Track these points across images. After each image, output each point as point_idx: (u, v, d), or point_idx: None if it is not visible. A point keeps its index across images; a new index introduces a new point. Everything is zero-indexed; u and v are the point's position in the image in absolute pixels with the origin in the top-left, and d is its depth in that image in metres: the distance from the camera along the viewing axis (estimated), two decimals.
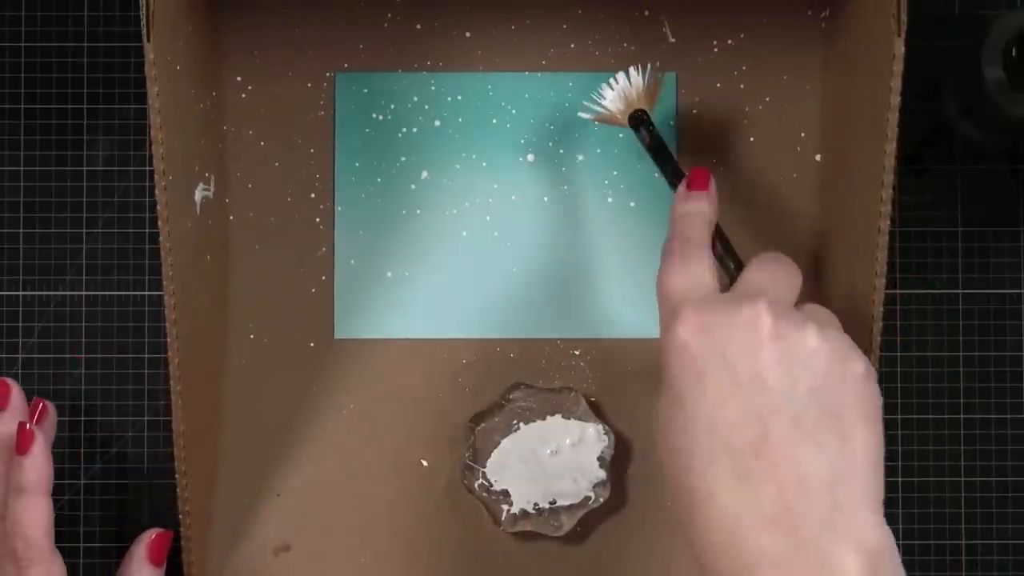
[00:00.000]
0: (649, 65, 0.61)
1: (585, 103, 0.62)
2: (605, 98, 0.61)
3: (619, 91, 0.61)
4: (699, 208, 0.55)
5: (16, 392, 0.60)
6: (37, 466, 0.57)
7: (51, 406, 0.60)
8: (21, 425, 0.57)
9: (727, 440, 0.48)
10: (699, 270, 0.52)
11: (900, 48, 0.54)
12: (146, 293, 0.66)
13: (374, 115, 0.66)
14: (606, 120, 0.62)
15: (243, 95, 0.65)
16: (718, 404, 0.48)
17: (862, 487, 0.48)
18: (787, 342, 0.49)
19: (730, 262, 0.56)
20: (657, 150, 0.60)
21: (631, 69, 0.61)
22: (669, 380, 0.50)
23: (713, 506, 0.48)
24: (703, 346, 0.49)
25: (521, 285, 0.66)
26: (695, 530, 0.48)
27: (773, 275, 0.52)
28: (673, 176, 0.59)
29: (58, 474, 0.66)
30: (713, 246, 0.55)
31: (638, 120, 0.60)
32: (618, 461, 0.65)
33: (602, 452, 0.64)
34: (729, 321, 0.49)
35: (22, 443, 0.57)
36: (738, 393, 0.48)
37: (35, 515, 0.57)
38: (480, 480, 0.64)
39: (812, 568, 0.46)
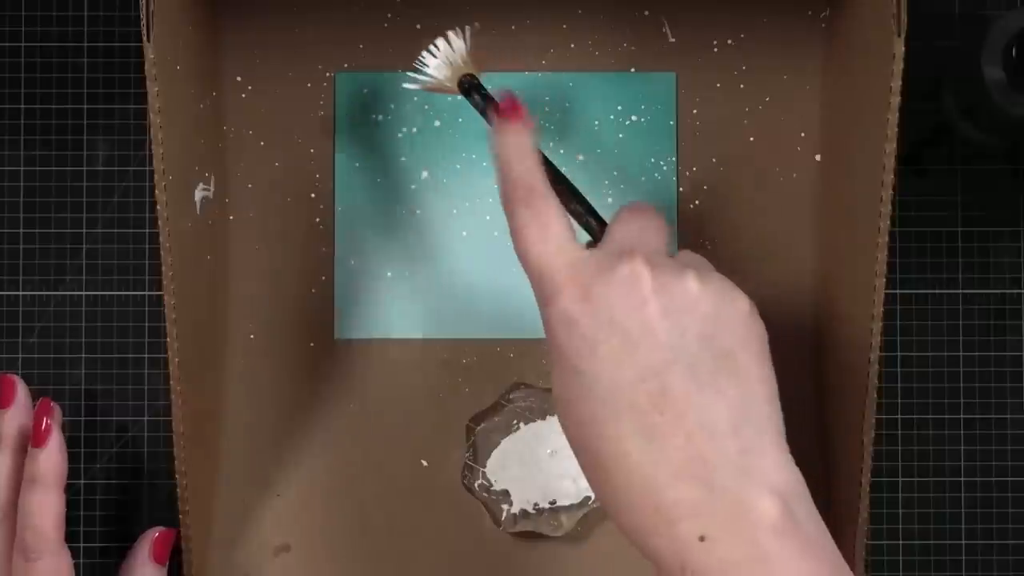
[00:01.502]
0: (468, 28, 0.59)
1: (408, 73, 0.59)
2: (428, 66, 0.59)
3: (443, 58, 0.58)
4: (522, 140, 0.53)
5: (22, 388, 0.60)
6: (52, 459, 0.57)
7: (57, 406, 0.60)
8: (38, 419, 0.58)
9: (630, 400, 0.47)
10: (558, 229, 0.50)
11: (900, 48, 0.54)
12: (146, 293, 0.66)
13: (374, 115, 0.66)
14: (434, 89, 0.59)
15: (243, 95, 0.65)
16: (615, 367, 0.48)
17: (766, 424, 0.48)
18: (670, 292, 0.48)
19: (591, 219, 0.55)
20: (487, 112, 0.57)
21: (450, 33, 0.58)
22: (560, 353, 0.49)
23: (625, 466, 0.47)
24: (589, 315, 0.48)
25: (521, 285, 0.65)
26: (611, 494, 0.48)
27: (640, 228, 0.51)
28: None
29: None
30: (567, 201, 0.54)
31: (468, 85, 0.58)
32: None
33: None
34: (608, 282, 0.48)
35: (39, 436, 0.57)
36: (633, 352, 0.48)
37: (46, 508, 0.57)
38: (480, 480, 0.64)
39: (730, 513, 0.46)
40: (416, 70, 0.59)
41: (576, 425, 0.49)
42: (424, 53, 0.59)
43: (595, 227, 0.55)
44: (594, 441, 0.48)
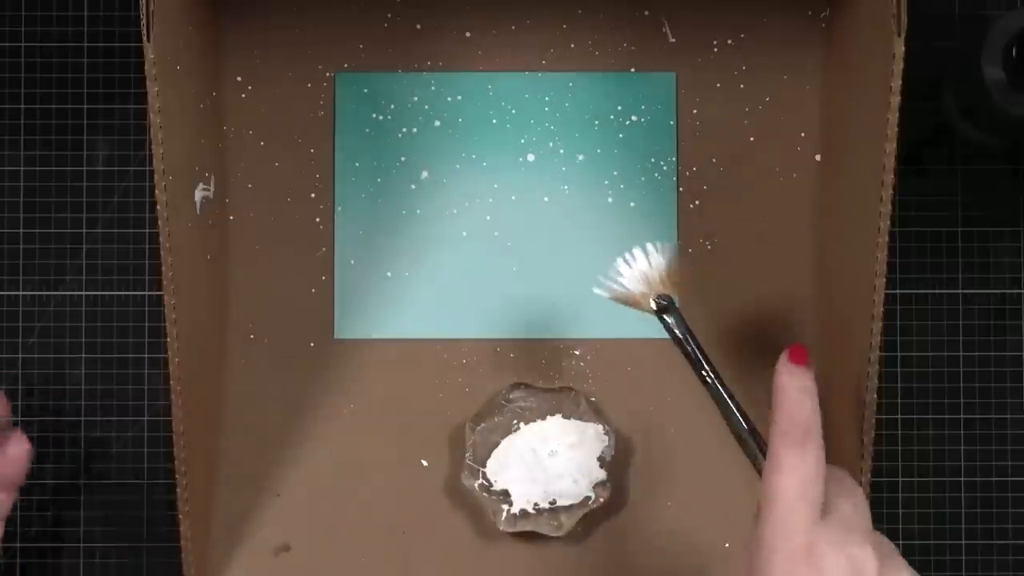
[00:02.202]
0: (669, 245, 0.58)
1: (601, 278, 0.59)
2: (623, 276, 0.58)
3: (638, 271, 0.58)
4: (810, 385, 0.54)
5: None
6: None
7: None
8: None
9: None
10: (816, 488, 0.51)
11: (900, 48, 0.54)
12: (146, 293, 0.66)
13: (374, 115, 0.66)
14: (625, 301, 0.58)
15: (243, 95, 0.65)
16: None
17: None
18: None
19: (752, 441, 0.56)
20: (686, 342, 0.57)
21: (649, 246, 0.58)
22: None
23: None
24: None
25: (521, 285, 0.66)
26: None
27: (855, 504, 0.52)
28: (701, 368, 0.56)
29: (58, 474, 0.66)
30: (731, 418, 0.55)
31: (665, 308, 0.57)
32: (618, 461, 0.65)
33: (602, 452, 0.64)
34: (839, 558, 0.49)
35: None
36: None
37: None
38: (480, 480, 0.64)
39: None
40: (611, 279, 0.58)
41: None
42: (620, 261, 0.58)
43: (750, 440, 0.55)
44: None
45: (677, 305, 0.57)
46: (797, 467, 0.51)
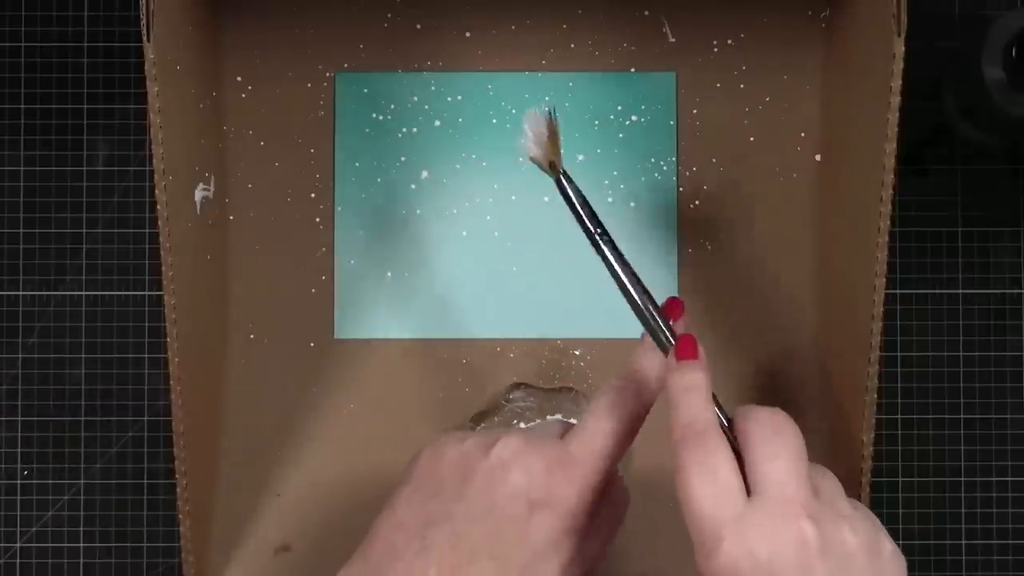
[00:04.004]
0: (546, 109, 0.54)
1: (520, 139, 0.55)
2: (529, 138, 0.54)
3: (533, 135, 0.54)
4: (696, 380, 0.52)
5: None
6: None
7: None
8: None
9: None
10: (725, 475, 0.49)
11: (900, 48, 0.54)
12: (146, 293, 0.66)
13: (374, 115, 0.66)
14: (537, 164, 0.55)
15: (243, 95, 0.65)
16: None
17: None
18: (832, 553, 0.48)
19: (656, 320, 0.53)
20: (579, 207, 0.54)
21: (532, 111, 0.54)
22: None
23: None
24: (755, 573, 0.48)
25: (521, 285, 0.66)
26: None
27: (788, 458, 0.50)
28: (596, 233, 0.54)
29: (58, 474, 0.66)
30: (639, 306, 0.53)
31: (555, 172, 0.54)
32: None
33: None
34: (775, 541, 0.48)
35: None
36: None
37: None
38: None
39: None
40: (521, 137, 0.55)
41: None
42: (524, 123, 0.55)
43: (664, 337, 0.53)
44: None
45: (562, 169, 0.54)
46: (699, 465, 0.50)
